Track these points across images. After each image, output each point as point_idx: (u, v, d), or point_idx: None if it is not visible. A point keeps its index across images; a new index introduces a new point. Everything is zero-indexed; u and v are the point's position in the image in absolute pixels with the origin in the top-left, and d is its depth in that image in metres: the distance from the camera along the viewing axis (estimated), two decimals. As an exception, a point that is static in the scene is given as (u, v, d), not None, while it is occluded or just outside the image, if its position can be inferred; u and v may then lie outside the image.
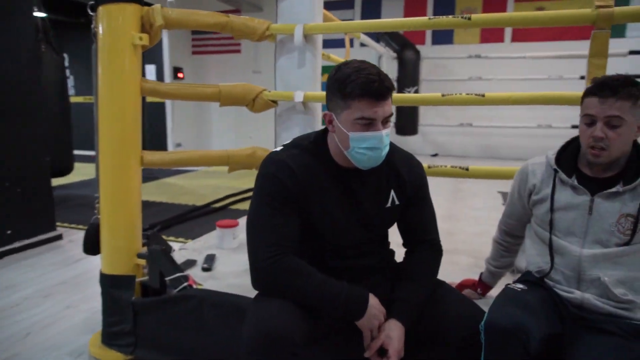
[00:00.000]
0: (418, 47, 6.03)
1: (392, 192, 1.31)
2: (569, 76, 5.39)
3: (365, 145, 1.15)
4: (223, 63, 7.88)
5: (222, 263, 2.09)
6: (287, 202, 1.20)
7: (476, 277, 1.68)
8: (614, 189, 1.23)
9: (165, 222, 3.72)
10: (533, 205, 1.37)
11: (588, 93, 1.23)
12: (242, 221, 2.69)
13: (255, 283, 1.21)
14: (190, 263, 2.06)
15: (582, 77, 5.31)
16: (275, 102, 2.05)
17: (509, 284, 1.34)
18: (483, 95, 1.75)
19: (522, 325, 1.13)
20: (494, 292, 1.65)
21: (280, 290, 1.17)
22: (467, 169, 1.81)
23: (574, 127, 5.46)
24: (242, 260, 2.10)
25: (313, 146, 1.27)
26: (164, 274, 1.77)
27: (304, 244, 1.23)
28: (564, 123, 5.52)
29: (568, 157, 1.32)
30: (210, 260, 2.08)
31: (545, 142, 5.83)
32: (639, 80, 1.21)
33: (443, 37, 6.51)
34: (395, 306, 1.24)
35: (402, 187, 1.32)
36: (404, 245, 1.40)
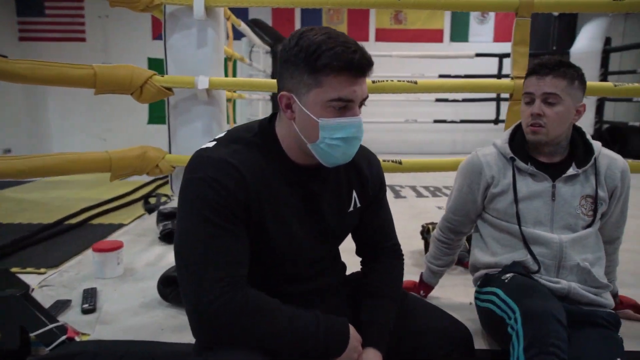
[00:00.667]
0: (290, 42, 5.92)
1: (354, 193, 1.08)
2: (429, 75, 5.83)
3: (340, 135, 0.89)
4: (62, 52, 6.60)
5: (109, 299, 1.61)
6: (235, 215, 0.89)
7: (415, 278, 1.60)
8: (571, 172, 1.22)
9: (3, 248, 2.87)
10: (491, 198, 1.29)
11: (528, 74, 1.24)
12: (122, 237, 2.28)
13: (199, 331, 0.88)
14: (62, 305, 1.54)
15: (441, 76, 5.82)
16: (170, 89, 1.64)
17: (504, 277, 1.21)
18: (415, 82, 1.64)
19: (558, 308, 1.04)
20: (438, 293, 1.62)
21: (239, 337, 0.86)
22: (400, 163, 1.68)
23: (436, 121, 5.97)
24: (134, 291, 1.66)
25: (260, 140, 0.96)
26: (27, 328, 1.25)
27: (250, 268, 0.93)
28: (427, 118, 5.96)
29: (519, 146, 1.28)
30: (90, 297, 1.58)
31: (409, 136, 6.42)
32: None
33: (312, 33, 6.51)
34: (370, 332, 1.03)
35: (364, 187, 1.10)
36: (361, 253, 1.19)
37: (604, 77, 5.87)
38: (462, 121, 6.03)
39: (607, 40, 5.74)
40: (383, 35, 6.53)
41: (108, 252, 1.78)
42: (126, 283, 1.74)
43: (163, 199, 3.55)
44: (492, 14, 6.50)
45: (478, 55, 5.60)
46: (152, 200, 3.53)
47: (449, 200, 1.45)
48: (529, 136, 1.25)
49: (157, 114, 6.28)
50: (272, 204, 0.94)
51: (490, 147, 1.34)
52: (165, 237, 2.25)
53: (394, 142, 6.09)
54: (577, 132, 1.28)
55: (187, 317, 0.87)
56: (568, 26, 6.21)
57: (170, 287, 1.53)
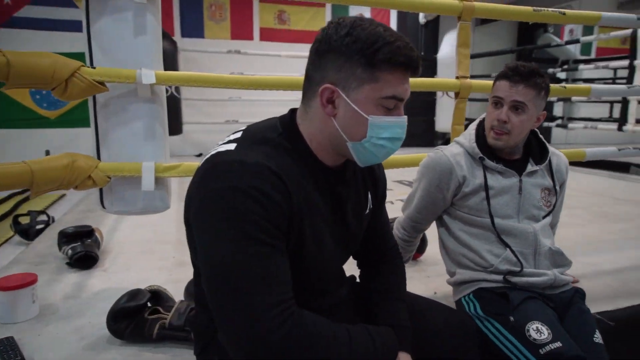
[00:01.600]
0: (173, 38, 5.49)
1: (369, 194, 1.05)
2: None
3: (387, 135, 0.84)
4: None
5: (37, 348, 1.28)
6: (279, 230, 0.78)
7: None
8: (533, 168, 1.33)
9: None
10: (462, 196, 1.34)
11: (500, 77, 1.29)
12: (11, 269, 1.84)
13: None
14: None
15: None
16: (103, 84, 1.36)
17: (510, 318, 1.19)
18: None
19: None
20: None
21: None
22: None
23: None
24: (66, 333, 1.36)
25: (287, 140, 0.86)
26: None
27: None
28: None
29: (485, 145, 1.35)
30: (10, 350, 1.23)
31: None
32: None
33: (193, 29, 6.13)
34: (397, 335, 0.99)
35: (376, 187, 1.08)
36: (362, 257, 1.15)
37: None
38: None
39: (465, 48, 6.54)
40: (268, 35, 6.46)
41: (19, 290, 1.41)
42: (50, 324, 1.41)
43: (40, 216, 2.96)
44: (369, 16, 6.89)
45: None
46: (24, 220, 2.92)
47: (410, 200, 1.46)
48: (490, 139, 1.32)
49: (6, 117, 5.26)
50: (309, 214, 0.85)
51: (456, 147, 1.38)
52: (78, 262, 1.88)
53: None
54: (532, 133, 1.38)
55: (154, 355, 0.74)
56: (433, 34, 6.93)
57: (125, 322, 1.27)
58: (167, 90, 1.60)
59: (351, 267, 1.12)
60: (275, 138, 0.85)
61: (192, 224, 0.82)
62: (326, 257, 0.93)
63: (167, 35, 5.21)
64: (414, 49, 0.81)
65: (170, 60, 5.08)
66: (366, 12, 6.29)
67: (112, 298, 1.34)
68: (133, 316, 1.29)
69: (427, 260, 2.00)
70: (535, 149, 1.38)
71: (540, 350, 1.08)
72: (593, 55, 7.93)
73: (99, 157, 1.47)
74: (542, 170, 1.36)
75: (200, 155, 6.05)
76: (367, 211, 1.03)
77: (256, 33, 6.44)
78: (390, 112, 0.83)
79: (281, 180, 0.78)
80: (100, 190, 1.49)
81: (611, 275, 1.85)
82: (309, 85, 0.84)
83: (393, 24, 7.06)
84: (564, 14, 1.81)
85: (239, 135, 0.86)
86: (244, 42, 6.25)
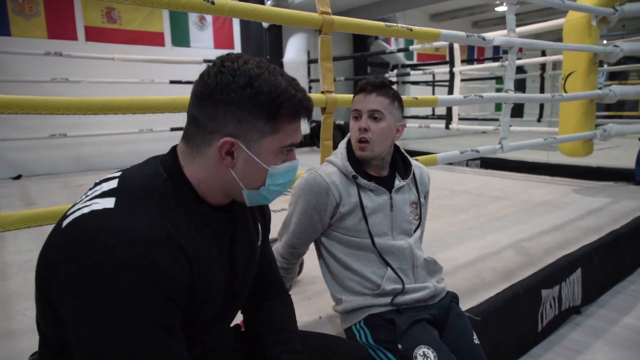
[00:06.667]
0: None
1: (259, 225, 0.99)
2: (160, 80, 5.48)
3: (283, 181, 0.82)
4: None
5: None
6: (177, 306, 0.69)
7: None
8: (401, 184, 1.38)
9: None
10: (339, 217, 1.32)
11: (356, 92, 1.36)
12: None
13: None
14: None
15: (172, 82, 5.56)
16: None
17: (399, 347, 1.20)
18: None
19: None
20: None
21: None
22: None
23: (173, 129, 5.67)
24: None
25: (174, 188, 0.76)
26: None
27: None
28: (163, 126, 5.61)
29: (356, 163, 1.36)
30: None
31: (146, 146, 5.86)
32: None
33: (-6, 25, 5.04)
34: None
35: (264, 217, 1.02)
36: (249, 298, 1.04)
37: (310, 83, 6.92)
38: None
39: (307, 53, 6.77)
40: (95, 35, 5.69)
41: None
42: None
43: None
44: (210, 20, 6.62)
45: (206, 61, 5.64)
46: None
47: (286, 225, 1.40)
48: (357, 152, 1.34)
49: None
50: (204, 272, 0.76)
51: (330, 166, 1.36)
52: None
53: (126, 154, 5.47)
54: (396, 149, 1.44)
55: None
56: (276, 38, 6.99)
57: None
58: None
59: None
60: (161, 186, 0.74)
61: (57, 304, 0.66)
62: (211, 310, 0.82)
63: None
64: (310, 98, 0.81)
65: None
66: (209, 15, 6.02)
67: None
68: None
69: (304, 279, 1.94)
70: (399, 164, 1.42)
71: None
72: (415, 61, 9.00)
73: None
74: (408, 185, 1.41)
75: (19, 177, 5.04)
76: (259, 243, 0.97)
77: (80, 32, 5.61)
78: (288, 157, 0.81)
79: (182, 249, 0.69)
80: None
81: (466, 268, 2.04)
82: (199, 132, 0.76)
83: (236, 28, 6.92)
84: (412, 30, 1.92)
85: (114, 184, 0.72)
86: (66, 43, 5.39)
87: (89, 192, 0.73)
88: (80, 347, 0.62)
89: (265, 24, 6.79)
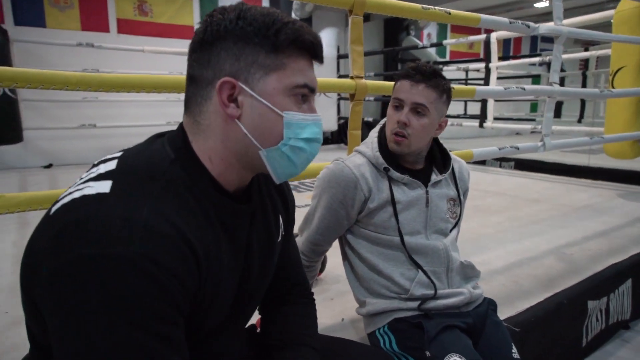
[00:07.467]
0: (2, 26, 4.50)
1: (281, 219, 0.86)
2: (189, 73, 5.47)
3: (306, 135, 0.68)
4: None
5: None
6: (180, 313, 0.58)
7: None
8: (438, 178, 1.24)
9: None
10: (368, 213, 1.18)
11: (400, 77, 1.19)
12: None
13: None
14: None
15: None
16: None
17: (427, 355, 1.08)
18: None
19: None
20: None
21: None
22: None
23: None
24: None
25: (182, 169, 0.64)
26: None
27: None
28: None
29: (388, 154, 1.22)
30: None
31: None
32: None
33: (31, 17, 5.13)
34: None
35: (287, 209, 0.89)
36: (268, 298, 0.93)
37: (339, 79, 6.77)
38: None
39: (337, 48, 6.64)
40: (127, 27, 5.73)
41: None
42: None
43: None
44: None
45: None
46: None
47: (309, 219, 1.27)
48: (391, 145, 1.19)
49: None
50: (214, 273, 0.65)
51: (359, 157, 1.22)
52: None
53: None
54: (434, 140, 1.29)
55: None
56: (306, 33, 6.89)
57: None
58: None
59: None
60: (167, 169, 0.62)
61: (39, 301, 0.56)
62: (219, 312, 0.71)
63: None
64: (313, 31, 0.68)
65: (-1, 53, 4.17)
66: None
67: None
68: None
69: (327, 277, 1.83)
70: (438, 157, 1.28)
71: None
72: (447, 58, 8.74)
73: None
74: (447, 179, 1.27)
75: (49, 166, 5.12)
76: (280, 238, 0.84)
77: (113, 25, 5.66)
78: (302, 109, 0.68)
79: (189, 246, 0.58)
80: None
81: (502, 274, 1.88)
82: (196, 89, 0.66)
83: (266, 21, 6.85)
84: (450, 13, 1.77)
85: (112, 166, 0.61)
86: (99, 35, 5.44)
87: (84, 174, 0.63)
88: (59, 351, 0.52)
89: (294, 17, 6.71)
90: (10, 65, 4.29)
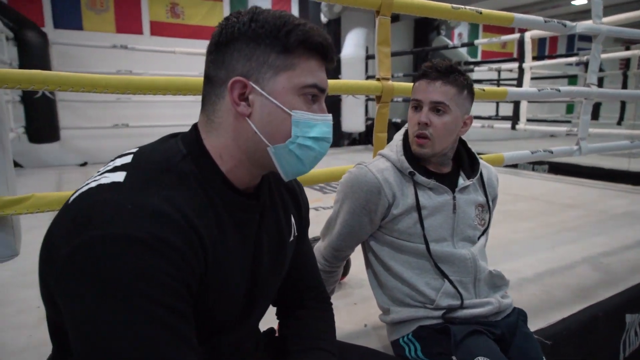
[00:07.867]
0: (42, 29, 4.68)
1: (293, 219, 0.87)
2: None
3: (315, 134, 0.70)
4: None
5: None
6: (189, 291, 0.60)
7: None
8: (465, 183, 1.19)
9: None
10: (392, 219, 1.15)
11: (417, 77, 1.16)
12: None
13: None
14: None
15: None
16: None
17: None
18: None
19: None
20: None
21: None
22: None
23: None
24: None
25: (194, 165, 0.67)
26: None
27: None
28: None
29: (413, 158, 1.18)
30: None
31: None
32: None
33: (69, 20, 5.32)
34: None
35: (300, 211, 0.90)
36: (280, 300, 0.93)
37: (366, 79, 6.72)
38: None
39: (366, 49, 6.59)
40: (159, 29, 5.86)
41: None
42: None
43: None
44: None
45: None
46: None
47: (331, 225, 1.25)
48: (414, 147, 1.16)
49: None
50: (220, 264, 0.67)
51: (382, 161, 1.19)
52: None
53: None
54: (461, 143, 1.25)
55: None
56: (335, 33, 6.88)
57: None
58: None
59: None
60: (179, 163, 0.66)
61: (54, 286, 0.58)
62: (230, 308, 0.72)
63: (33, 26, 4.44)
64: (325, 33, 0.69)
65: (39, 55, 4.34)
66: (267, 5, 6.00)
67: None
68: None
69: (351, 281, 1.81)
70: (465, 161, 1.23)
71: None
72: (479, 58, 8.54)
73: None
74: (475, 185, 1.22)
75: (84, 164, 5.30)
76: (292, 238, 0.85)
77: (146, 27, 5.81)
78: (312, 109, 0.69)
79: (196, 232, 0.61)
80: None
81: (533, 282, 1.81)
82: (212, 88, 0.69)
83: (295, 22, 6.87)
84: (481, 13, 1.72)
85: (128, 160, 0.65)
86: (132, 37, 5.59)
87: (102, 168, 0.67)
88: (79, 340, 0.54)
89: (324, 18, 6.71)
90: (49, 66, 4.47)
